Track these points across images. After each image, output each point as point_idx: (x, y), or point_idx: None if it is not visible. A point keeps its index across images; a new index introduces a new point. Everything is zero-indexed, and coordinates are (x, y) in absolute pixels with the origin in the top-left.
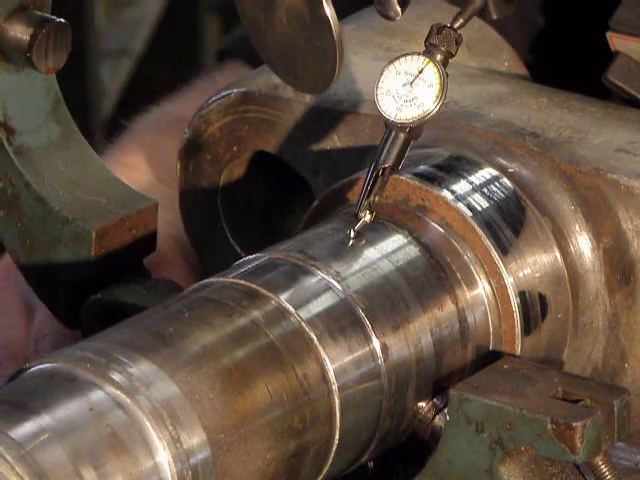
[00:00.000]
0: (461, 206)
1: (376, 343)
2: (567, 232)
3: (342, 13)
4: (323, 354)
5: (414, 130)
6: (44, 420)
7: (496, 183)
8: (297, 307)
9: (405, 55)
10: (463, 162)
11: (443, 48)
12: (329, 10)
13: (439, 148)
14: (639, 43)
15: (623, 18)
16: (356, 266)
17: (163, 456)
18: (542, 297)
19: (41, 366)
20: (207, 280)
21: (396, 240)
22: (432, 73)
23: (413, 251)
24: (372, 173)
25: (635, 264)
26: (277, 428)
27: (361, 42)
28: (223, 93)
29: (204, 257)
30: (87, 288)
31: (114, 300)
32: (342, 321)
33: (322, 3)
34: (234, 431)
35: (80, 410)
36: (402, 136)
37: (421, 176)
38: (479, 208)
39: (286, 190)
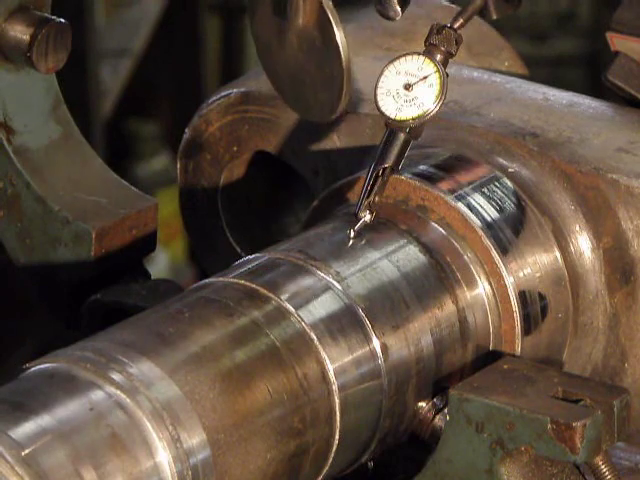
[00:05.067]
0: (461, 206)
1: (376, 343)
2: (567, 232)
3: None
4: (323, 354)
5: (414, 130)
6: (44, 420)
7: (496, 183)
8: (297, 307)
9: (405, 55)
10: (463, 162)
11: (443, 48)
12: (340, 36)
13: (439, 148)
14: (639, 43)
15: (623, 18)
16: (356, 266)
17: (163, 456)
18: (542, 297)
19: (41, 366)
20: (207, 280)
21: (396, 240)
22: (432, 73)
23: (413, 251)
24: (372, 173)
25: (635, 264)
26: (277, 428)
27: (361, 43)
28: (223, 93)
29: (204, 257)
30: (87, 288)
31: (114, 300)
32: (342, 321)
33: (333, 28)
34: (234, 431)
35: (80, 410)
36: (402, 136)
37: (421, 176)
38: (479, 208)
39: (286, 190)
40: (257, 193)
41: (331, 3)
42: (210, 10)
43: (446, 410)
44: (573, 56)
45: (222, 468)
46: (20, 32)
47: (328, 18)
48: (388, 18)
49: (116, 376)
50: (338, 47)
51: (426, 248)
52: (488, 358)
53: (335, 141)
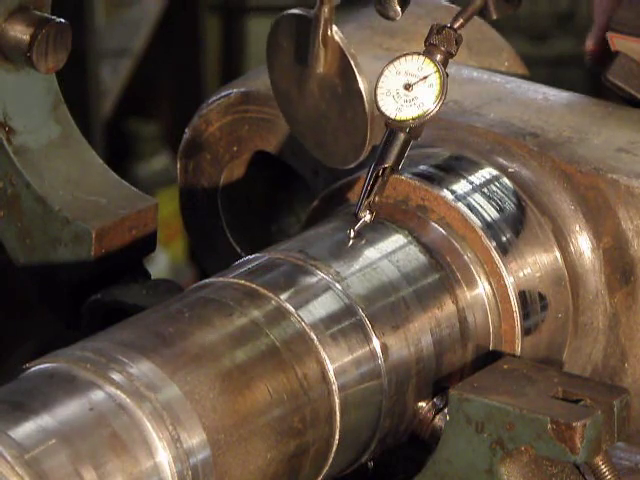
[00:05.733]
0: (461, 206)
1: (376, 343)
2: (567, 232)
3: None
4: (323, 354)
5: (414, 130)
6: (44, 420)
7: (496, 183)
8: (297, 307)
9: (405, 55)
10: (463, 162)
11: (443, 48)
12: (362, 83)
13: (439, 148)
14: (639, 43)
15: (623, 18)
16: (356, 266)
17: (163, 456)
18: (542, 297)
19: (41, 366)
20: (207, 280)
21: (396, 240)
22: (432, 73)
23: (413, 251)
24: (372, 173)
25: (635, 264)
26: (277, 428)
27: (361, 42)
28: (223, 93)
29: (204, 257)
30: (87, 288)
31: (114, 300)
32: (342, 321)
33: (356, 75)
34: (234, 431)
35: (80, 410)
36: (402, 136)
37: (421, 176)
38: (479, 208)
39: (286, 190)
40: (257, 193)
41: (353, 50)
42: (210, 10)
43: (446, 410)
44: (573, 56)
45: (222, 468)
46: (20, 32)
47: (350, 65)
48: (388, 18)
49: (116, 376)
50: (361, 93)
51: (426, 248)
52: (488, 358)
53: None
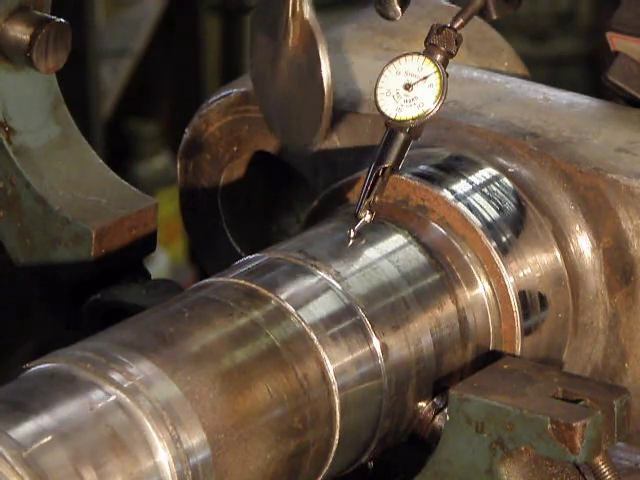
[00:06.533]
0: (461, 206)
1: (376, 343)
2: (567, 232)
3: None
4: (323, 354)
5: (414, 130)
6: (44, 420)
7: (496, 183)
8: (297, 307)
9: (405, 55)
10: (463, 162)
11: (443, 48)
12: (325, 70)
13: (439, 148)
14: (639, 43)
15: (623, 18)
16: (356, 266)
17: (163, 456)
18: (542, 297)
19: (41, 366)
20: (207, 280)
21: (396, 240)
22: (432, 73)
23: (413, 251)
24: (372, 173)
25: (635, 264)
26: (277, 428)
27: (361, 42)
28: (223, 93)
29: (204, 257)
30: (87, 288)
31: (114, 300)
32: (342, 321)
33: (320, 62)
34: (234, 431)
35: (80, 410)
36: (402, 136)
37: (421, 176)
38: (479, 208)
39: (286, 189)
40: (257, 193)
41: (320, 30)
42: (210, 10)
43: (446, 410)
44: (573, 56)
45: (222, 468)
46: (20, 32)
47: (316, 44)
48: (388, 18)
49: (116, 376)
50: (322, 81)
51: (426, 248)
52: (488, 358)
53: (335, 141)
